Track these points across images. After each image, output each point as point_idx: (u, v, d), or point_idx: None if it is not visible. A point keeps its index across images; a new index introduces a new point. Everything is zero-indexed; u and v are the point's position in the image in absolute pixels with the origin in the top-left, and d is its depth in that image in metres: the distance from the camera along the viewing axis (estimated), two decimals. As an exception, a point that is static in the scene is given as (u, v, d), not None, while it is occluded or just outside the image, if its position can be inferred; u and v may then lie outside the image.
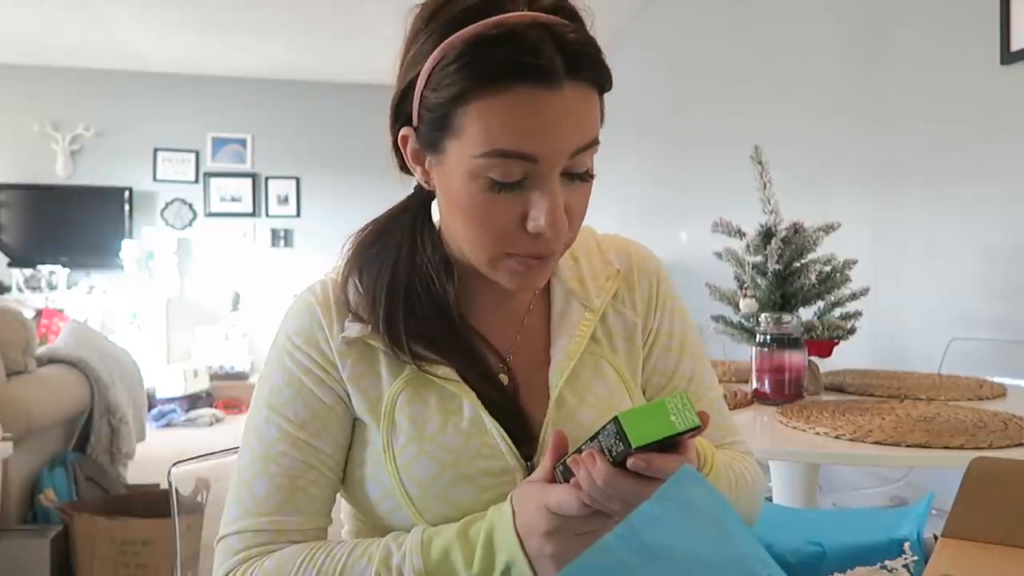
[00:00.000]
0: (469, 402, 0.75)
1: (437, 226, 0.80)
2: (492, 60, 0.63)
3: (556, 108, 0.64)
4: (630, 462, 0.59)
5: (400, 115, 0.73)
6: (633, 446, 0.58)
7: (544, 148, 0.65)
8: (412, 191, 0.80)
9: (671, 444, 0.60)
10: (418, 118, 0.70)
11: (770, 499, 1.66)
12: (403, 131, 0.73)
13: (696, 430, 0.58)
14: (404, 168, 0.77)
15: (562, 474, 0.66)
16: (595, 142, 0.69)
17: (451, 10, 0.66)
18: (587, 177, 0.71)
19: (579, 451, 0.63)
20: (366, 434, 0.77)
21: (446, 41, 0.65)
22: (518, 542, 0.66)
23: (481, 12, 0.65)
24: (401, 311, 0.75)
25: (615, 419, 0.59)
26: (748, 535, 0.59)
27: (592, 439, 0.62)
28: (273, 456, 0.75)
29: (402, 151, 0.74)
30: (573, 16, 0.68)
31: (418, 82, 0.68)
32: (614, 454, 0.60)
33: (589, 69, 0.66)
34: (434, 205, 0.80)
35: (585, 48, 0.65)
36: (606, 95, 0.71)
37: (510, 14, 0.64)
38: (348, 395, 0.77)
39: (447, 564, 0.68)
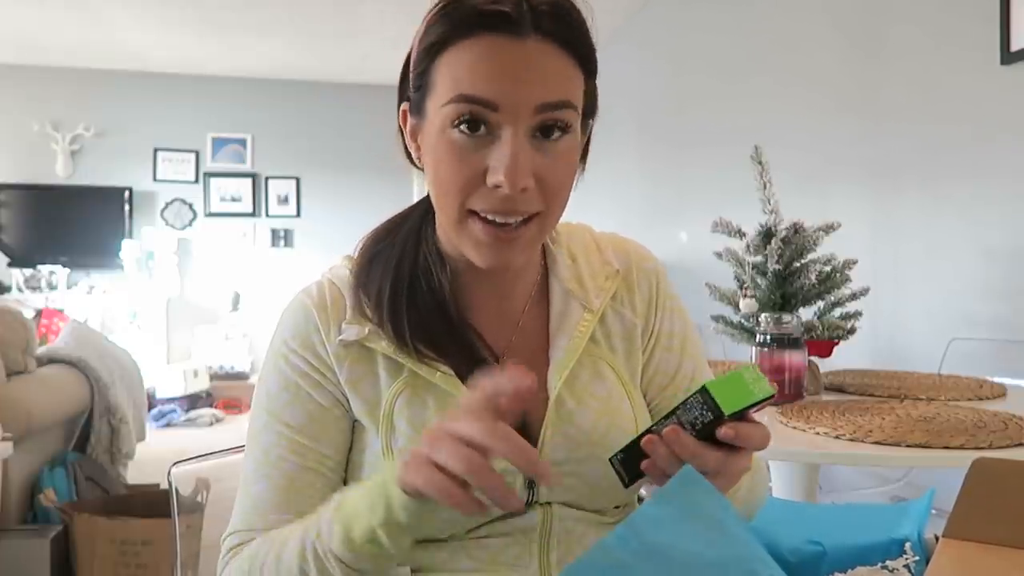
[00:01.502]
0: None
1: None
2: (462, 10, 0.67)
3: (518, 56, 0.66)
4: (720, 432, 0.62)
5: (403, 93, 0.76)
6: (726, 414, 0.61)
7: (504, 95, 0.66)
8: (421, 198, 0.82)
9: (740, 416, 0.63)
10: (411, 86, 0.73)
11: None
12: (403, 107, 0.76)
13: (770, 398, 0.62)
14: (409, 157, 0.78)
15: (620, 463, 0.67)
16: (565, 103, 0.68)
17: None
18: (561, 137, 0.69)
19: (638, 439, 0.65)
20: (365, 437, 0.77)
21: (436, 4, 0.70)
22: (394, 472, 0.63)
23: None
24: (404, 302, 0.76)
25: (703, 389, 0.62)
26: (748, 535, 0.59)
27: (665, 419, 0.64)
28: (272, 460, 0.76)
29: (405, 134, 0.77)
30: None
31: (413, 49, 0.73)
32: (698, 426, 0.62)
33: (558, 26, 0.68)
34: None
35: (557, 8, 0.68)
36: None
37: None
38: (346, 398, 0.77)
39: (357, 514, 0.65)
